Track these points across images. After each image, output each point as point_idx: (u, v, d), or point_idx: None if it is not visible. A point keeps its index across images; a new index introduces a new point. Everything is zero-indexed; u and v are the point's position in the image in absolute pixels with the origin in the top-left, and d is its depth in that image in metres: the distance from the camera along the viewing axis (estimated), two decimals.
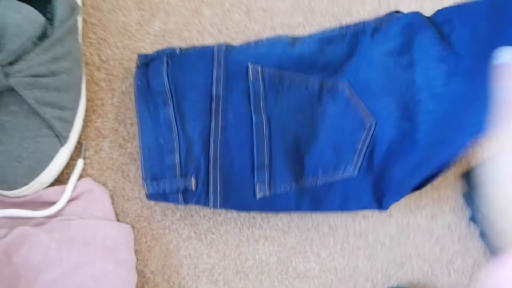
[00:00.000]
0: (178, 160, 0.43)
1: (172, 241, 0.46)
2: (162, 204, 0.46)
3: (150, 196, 0.44)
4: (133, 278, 0.42)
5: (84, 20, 0.49)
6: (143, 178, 0.43)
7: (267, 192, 0.44)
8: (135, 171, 0.47)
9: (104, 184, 0.46)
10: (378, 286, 0.47)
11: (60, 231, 0.41)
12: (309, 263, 0.46)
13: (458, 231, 0.48)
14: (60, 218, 0.43)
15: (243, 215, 0.46)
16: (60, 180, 0.46)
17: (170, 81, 0.45)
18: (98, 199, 0.45)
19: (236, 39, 0.50)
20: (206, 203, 0.44)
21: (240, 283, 0.46)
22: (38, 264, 0.39)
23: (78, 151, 0.46)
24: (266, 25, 0.51)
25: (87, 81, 0.48)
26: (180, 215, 0.46)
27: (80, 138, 0.47)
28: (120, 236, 0.43)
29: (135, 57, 0.48)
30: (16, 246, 0.39)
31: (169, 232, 0.46)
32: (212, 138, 0.44)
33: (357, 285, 0.47)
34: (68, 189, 0.44)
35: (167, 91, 0.45)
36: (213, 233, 0.46)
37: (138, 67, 0.46)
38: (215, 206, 0.44)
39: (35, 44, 0.41)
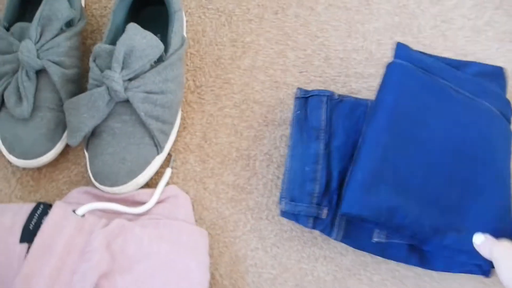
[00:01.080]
0: (317, 190, 0.49)
1: (241, 250, 0.51)
2: (235, 216, 0.52)
3: (283, 213, 0.50)
4: (208, 278, 0.47)
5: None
6: (282, 197, 0.49)
7: (383, 239, 0.49)
8: (214, 184, 0.53)
9: (187, 193, 0.52)
10: None
11: (150, 227, 0.47)
12: (362, 285, 0.50)
13: None
14: (149, 216, 0.49)
15: (307, 235, 0.51)
16: (149, 184, 0.52)
17: (327, 120, 0.52)
18: (182, 204, 0.51)
19: (314, 81, 0.57)
20: (329, 234, 0.49)
21: None
22: (133, 255, 0.44)
23: (167, 161, 0.53)
24: (342, 72, 0.58)
25: (182, 102, 0.55)
26: (250, 227, 0.51)
27: (170, 150, 0.54)
28: (200, 239, 0.48)
29: (228, 87, 0.56)
30: (115, 235, 0.45)
31: (239, 242, 0.51)
32: (347, 179, 0.49)
33: None
34: (157, 193, 0.50)
35: (322, 127, 0.51)
36: (278, 247, 0.51)
37: (297, 98, 0.53)
38: (336, 239, 0.49)
39: (151, 66, 0.49)
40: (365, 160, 0.48)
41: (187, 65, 0.57)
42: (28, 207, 0.45)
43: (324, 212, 0.49)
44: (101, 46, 0.48)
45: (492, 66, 0.56)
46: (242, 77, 0.57)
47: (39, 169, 0.53)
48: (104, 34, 0.51)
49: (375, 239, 0.49)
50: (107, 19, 0.59)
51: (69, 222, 0.44)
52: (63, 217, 0.44)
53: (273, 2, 0.60)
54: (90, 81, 0.49)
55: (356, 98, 0.54)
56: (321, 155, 0.51)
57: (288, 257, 0.51)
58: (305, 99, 0.54)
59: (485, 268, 0.47)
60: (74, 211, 0.45)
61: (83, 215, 0.45)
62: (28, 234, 0.43)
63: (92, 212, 0.47)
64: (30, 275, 0.41)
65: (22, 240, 0.43)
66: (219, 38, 0.59)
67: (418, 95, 0.50)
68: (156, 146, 0.50)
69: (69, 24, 0.51)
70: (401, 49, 0.52)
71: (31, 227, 0.43)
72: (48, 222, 0.43)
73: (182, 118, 0.55)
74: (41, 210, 0.44)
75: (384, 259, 0.51)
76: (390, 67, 0.51)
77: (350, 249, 0.51)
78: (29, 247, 0.42)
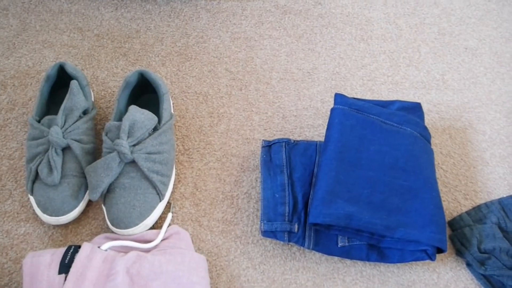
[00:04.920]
0: (287, 210, 0.63)
1: (235, 270, 0.62)
2: (227, 244, 0.63)
3: (263, 233, 0.62)
4: None
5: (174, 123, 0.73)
6: (261, 220, 0.63)
7: (346, 243, 0.62)
8: (207, 221, 0.65)
9: (186, 230, 0.64)
10: None
11: (159, 254, 0.58)
12: (337, 286, 0.61)
13: (450, 262, 0.63)
14: (158, 249, 0.60)
15: (286, 251, 0.63)
16: (154, 227, 0.65)
17: (287, 159, 0.67)
18: (183, 238, 0.63)
19: (276, 135, 0.73)
20: (302, 244, 0.62)
21: None
22: (147, 275, 0.55)
23: (168, 208, 0.66)
24: (297, 126, 0.74)
25: (176, 162, 0.70)
26: (240, 251, 0.63)
27: (169, 198, 0.67)
28: (200, 261, 0.60)
29: (210, 147, 0.71)
30: (132, 262, 0.56)
31: (232, 264, 0.62)
32: (310, 201, 0.64)
33: None
34: (162, 231, 0.62)
35: (284, 164, 0.67)
36: (264, 264, 0.62)
37: (263, 147, 0.69)
38: (308, 247, 0.61)
39: (149, 134, 0.65)
40: (322, 182, 0.62)
41: (176, 134, 0.73)
42: (62, 249, 0.57)
43: (296, 227, 0.62)
44: (111, 123, 0.64)
45: (411, 102, 0.73)
46: (220, 138, 0.73)
47: (66, 226, 0.65)
48: (111, 116, 0.68)
49: (340, 244, 0.61)
50: (111, 108, 0.76)
51: (96, 255, 0.55)
52: (91, 252, 0.56)
53: (238, 82, 0.79)
54: (104, 150, 0.64)
55: (308, 141, 0.70)
56: (286, 184, 0.65)
57: (274, 271, 0.62)
58: (269, 147, 0.69)
59: (430, 252, 0.59)
60: (99, 247, 0.57)
61: (106, 250, 0.57)
62: (64, 267, 0.54)
63: (113, 249, 0.58)
64: None
65: (60, 272, 0.54)
66: (199, 112, 0.75)
67: (356, 129, 0.66)
68: (158, 194, 0.64)
69: (85, 112, 0.68)
70: (339, 97, 0.69)
71: (66, 261, 0.55)
72: (80, 256, 0.55)
73: (177, 174, 0.69)
74: (73, 250, 0.56)
75: (352, 262, 0.62)
76: (332, 111, 0.68)
77: (323, 258, 0.63)
78: (65, 278, 0.54)
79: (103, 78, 0.80)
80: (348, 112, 0.67)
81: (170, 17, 0.88)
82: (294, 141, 0.69)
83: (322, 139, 0.73)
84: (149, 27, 0.86)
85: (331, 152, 0.64)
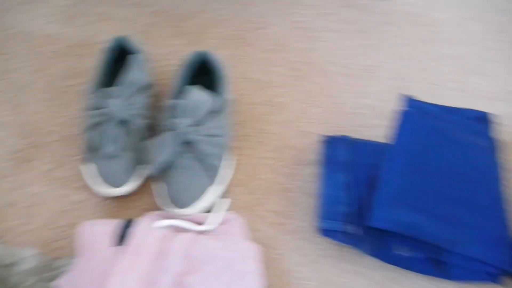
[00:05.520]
0: (347, 210, 0.60)
1: (286, 265, 0.60)
2: (280, 237, 0.62)
3: (321, 231, 0.60)
4: (263, 283, 0.56)
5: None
6: (318, 217, 0.60)
7: (404, 252, 0.59)
8: (260, 211, 0.64)
9: (240, 217, 0.63)
10: None
11: (214, 239, 0.57)
12: None
13: None
14: (212, 233, 0.59)
15: (340, 252, 0.61)
16: (209, 210, 0.63)
17: (350, 157, 0.64)
18: (237, 225, 0.61)
19: (333, 131, 0.71)
20: (359, 247, 0.59)
21: None
22: (201, 258, 0.54)
23: (222, 193, 0.65)
24: (354, 124, 0.72)
25: (232, 148, 0.68)
26: (293, 246, 0.61)
27: (225, 184, 0.65)
28: (253, 251, 0.58)
29: (266, 136, 0.69)
30: (187, 243, 0.55)
31: (283, 258, 0.60)
32: (368, 204, 0.60)
33: None
34: (217, 216, 0.61)
35: (347, 162, 0.64)
36: (316, 263, 0.60)
37: (324, 142, 0.66)
38: (364, 251, 0.59)
39: (207, 116, 0.63)
40: (387, 186, 0.60)
41: (235, 120, 0.71)
42: (118, 221, 0.56)
43: (355, 229, 0.60)
44: (170, 101, 0.62)
45: (483, 112, 0.70)
46: (276, 128, 0.71)
47: (118, 198, 0.64)
48: (169, 94, 0.66)
49: (397, 252, 0.59)
50: (166, 86, 0.74)
51: (152, 231, 0.54)
52: (147, 228, 0.54)
53: (296, 72, 0.77)
54: (162, 127, 0.62)
55: (373, 141, 0.67)
56: (347, 183, 0.63)
57: (325, 271, 0.60)
58: (329, 142, 0.67)
59: (495, 274, 0.57)
60: (155, 224, 0.55)
61: (161, 228, 0.55)
62: (120, 240, 0.53)
63: (167, 228, 0.57)
64: (124, 270, 0.50)
65: (115, 244, 0.53)
66: (256, 100, 0.74)
67: (427, 135, 0.64)
68: (212, 177, 0.62)
69: (144, 87, 0.66)
70: (411, 100, 0.67)
71: (121, 234, 0.54)
72: (136, 231, 0.54)
73: (232, 160, 0.67)
74: (128, 223, 0.55)
75: (407, 272, 0.60)
76: (404, 114, 0.65)
77: (378, 264, 0.61)
78: (120, 251, 0.52)
79: (159, 56, 0.78)
80: (420, 116, 0.64)
81: (231, 0, 0.86)
82: (355, 139, 0.67)
83: (379, 139, 0.70)
84: (209, 8, 0.84)
85: (399, 156, 0.62)
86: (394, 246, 0.60)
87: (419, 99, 0.67)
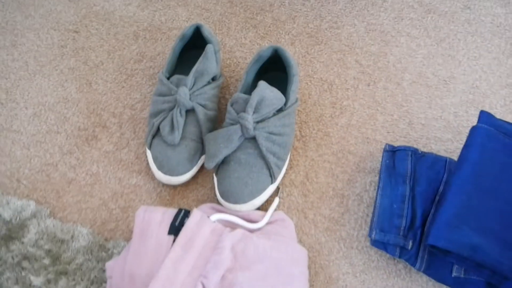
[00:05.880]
0: (404, 224, 0.59)
1: (334, 273, 0.59)
2: (330, 243, 0.61)
3: (374, 242, 0.59)
4: (308, 287, 0.55)
5: None
6: (372, 228, 0.59)
7: (462, 275, 0.57)
8: (313, 215, 0.63)
9: (291, 219, 0.62)
10: None
11: (264, 238, 0.57)
12: None
13: None
14: (261, 232, 0.59)
15: (392, 266, 0.59)
16: (260, 208, 0.63)
17: (412, 169, 0.63)
18: (287, 226, 0.61)
19: (399, 141, 0.68)
20: (413, 264, 0.58)
21: None
22: (251, 257, 0.54)
23: (276, 192, 0.64)
24: (423, 136, 0.69)
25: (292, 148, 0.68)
26: (342, 254, 0.60)
27: (279, 183, 0.65)
28: (301, 254, 0.57)
29: (327, 138, 0.68)
30: (238, 240, 0.55)
31: (332, 265, 0.59)
32: (429, 219, 0.59)
33: None
34: (268, 215, 0.61)
35: (408, 174, 0.62)
36: (366, 274, 0.59)
37: (386, 151, 0.64)
38: (418, 269, 0.57)
39: (274, 114, 0.62)
40: (450, 203, 0.57)
41: (295, 119, 0.70)
42: (173, 210, 0.57)
43: (410, 244, 0.57)
44: (239, 95, 0.62)
45: None
46: (339, 132, 0.69)
47: (174, 187, 0.65)
48: (238, 87, 0.66)
49: (454, 274, 0.56)
50: (235, 78, 0.75)
51: (205, 224, 0.55)
52: (201, 220, 0.55)
53: (366, 76, 0.74)
54: (227, 120, 0.63)
55: (437, 155, 0.64)
56: (407, 196, 0.60)
57: (374, 284, 0.58)
58: (393, 152, 0.64)
59: None
60: (208, 217, 0.56)
61: (214, 222, 0.56)
62: (174, 229, 0.54)
63: (220, 222, 0.58)
64: (176, 259, 0.52)
65: (169, 232, 0.54)
66: (322, 100, 0.72)
67: (499, 154, 0.60)
68: (271, 176, 0.62)
69: (213, 78, 0.67)
70: (485, 116, 0.63)
71: (176, 224, 0.55)
72: (190, 222, 0.55)
73: (290, 160, 0.67)
74: (183, 213, 0.56)
75: None
76: (475, 129, 0.61)
77: (431, 283, 0.58)
78: (174, 240, 0.54)
79: (230, 47, 0.78)
80: (493, 133, 0.60)
81: None
82: (422, 152, 0.64)
83: (449, 154, 0.67)
84: (283, 2, 0.83)
85: (466, 173, 0.58)
86: (451, 266, 0.57)
87: (494, 116, 0.63)
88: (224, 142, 0.61)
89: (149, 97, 0.73)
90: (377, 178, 0.65)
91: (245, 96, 0.62)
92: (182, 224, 0.55)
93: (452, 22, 0.81)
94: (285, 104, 0.64)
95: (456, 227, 0.55)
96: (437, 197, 0.60)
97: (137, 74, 0.76)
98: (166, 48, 0.78)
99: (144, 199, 0.65)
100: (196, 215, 0.56)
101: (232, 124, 0.62)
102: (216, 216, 0.57)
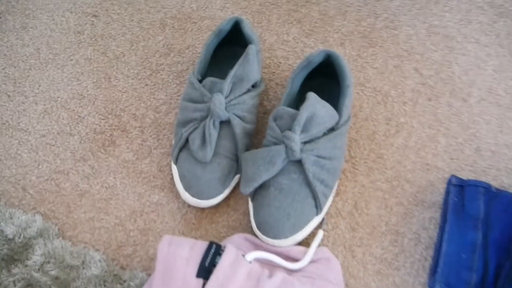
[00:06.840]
0: (474, 279, 0.50)
1: None
2: None
3: None
4: None
5: None
6: (436, 279, 0.50)
7: None
8: (362, 254, 0.54)
9: (335, 256, 0.54)
10: None
11: (308, 285, 0.48)
12: None
13: None
14: (303, 273, 0.50)
15: None
16: (300, 243, 0.54)
17: (485, 211, 0.53)
18: (333, 267, 0.52)
19: (465, 170, 0.58)
20: None
21: None
22: None
23: (319, 223, 0.55)
24: (493, 166, 0.59)
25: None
26: None
27: (325, 213, 0.56)
28: None
29: (381, 161, 0.58)
30: (278, 286, 0.47)
31: None
32: (504, 275, 0.49)
33: None
34: (311, 252, 0.52)
35: (480, 218, 0.53)
36: None
37: (452, 184, 0.55)
38: None
39: (324, 134, 0.53)
40: None
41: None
42: (202, 244, 0.48)
43: None
44: (284, 109, 0.53)
45: None
46: (394, 154, 0.60)
47: (202, 209, 0.57)
48: (281, 97, 0.57)
49: None
50: (275, 82, 0.65)
51: (241, 266, 0.46)
52: (235, 261, 0.46)
53: (427, 89, 0.64)
54: (268, 137, 0.53)
55: (510, 192, 0.55)
56: (479, 245, 0.51)
57: None
58: (461, 187, 0.55)
59: None
60: (243, 255, 0.48)
61: (250, 261, 0.48)
62: (204, 271, 0.46)
63: (256, 260, 0.49)
64: None
65: (198, 275, 0.45)
66: (375, 115, 0.62)
67: None
68: (316, 207, 0.53)
69: (253, 85, 0.57)
70: None
71: (206, 264, 0.46)
72: (223, 262, 0.46)
73: (341, 185, 0.58)
74: (214, 250, 0.47)
75: None
76: None
77: None
78: (203, 283, 0.45)
79: (270, 44, 0.68)
80: None
81: None
82: (496, 189, 0.55)
83: None
84: None
85: None
86: None
87: None
88: (264, 165, 0.51)
89: (175, 98, 0.64)
90: (437, 214, 0.56)
91: (292, 111, 0.52)
92: (213, 263, 0.47)
93: None
94: (337, 122, 0.54)
95: None
96: None
97: (163, 70, 0.66)
98: (197, 41, 0.68)
99: (167, 221, 0.56)
100: (230, 253, 0.47)
101: (275, 144, 0.52)
102: (252, 255, 0.48)
